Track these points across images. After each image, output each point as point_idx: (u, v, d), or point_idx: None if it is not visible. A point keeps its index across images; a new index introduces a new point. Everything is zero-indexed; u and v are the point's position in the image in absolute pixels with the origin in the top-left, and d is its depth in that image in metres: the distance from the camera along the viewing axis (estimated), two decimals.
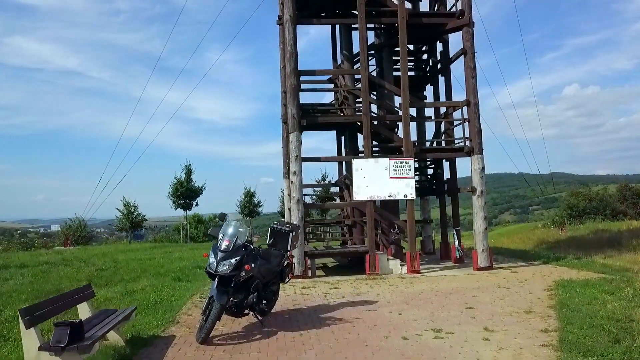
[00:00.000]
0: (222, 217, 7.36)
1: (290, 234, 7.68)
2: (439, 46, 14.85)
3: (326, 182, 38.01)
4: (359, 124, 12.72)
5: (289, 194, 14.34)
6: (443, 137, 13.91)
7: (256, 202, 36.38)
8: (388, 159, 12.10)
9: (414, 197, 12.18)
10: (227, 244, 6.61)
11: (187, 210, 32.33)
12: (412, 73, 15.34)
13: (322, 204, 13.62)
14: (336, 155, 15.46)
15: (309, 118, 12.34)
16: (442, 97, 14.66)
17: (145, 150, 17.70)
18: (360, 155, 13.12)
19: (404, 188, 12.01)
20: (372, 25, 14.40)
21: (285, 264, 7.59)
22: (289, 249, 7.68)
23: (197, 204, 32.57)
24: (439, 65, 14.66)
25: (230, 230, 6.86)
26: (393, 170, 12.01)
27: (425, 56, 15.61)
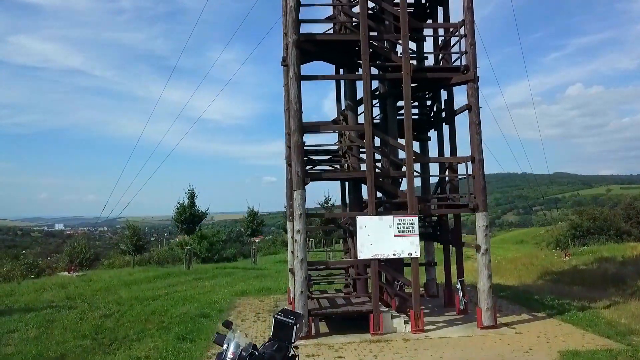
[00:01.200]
0: (228, 324, 7.33)
1: (295, 326, 7.66)
2: (444, 94, 14.79)
3: (329, 205, 38.16)
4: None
5: (292, 237, 14.35)
6: (447, 193, 13.86)
7: (259, 221, 36.63)
8: (392, 216, 12.07)
9: (419, 255, 12.16)
10: (232, 356, 6.60)
11: (191, 234, 32.42)
12: (416, 117, 15.31)
13: (326, 263, 13.58)
14: (340, 204, 15.38)
15: (314, 175, 12.34)
16: (447, 145, 14.62)
17: (170, 154, 17.76)
18: (364, 211, 13.06)
19: (409, 246, 11.99)
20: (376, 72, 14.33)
21: (290, 355, 7.57)
22: (293, 341, 7.65)
23: (200, 229, 32.66)
24: (443, 114, 14.60)
25: (235, 341, 6.83)
26: (397, 228, 11.98)
27: (429, 102, 15.55)
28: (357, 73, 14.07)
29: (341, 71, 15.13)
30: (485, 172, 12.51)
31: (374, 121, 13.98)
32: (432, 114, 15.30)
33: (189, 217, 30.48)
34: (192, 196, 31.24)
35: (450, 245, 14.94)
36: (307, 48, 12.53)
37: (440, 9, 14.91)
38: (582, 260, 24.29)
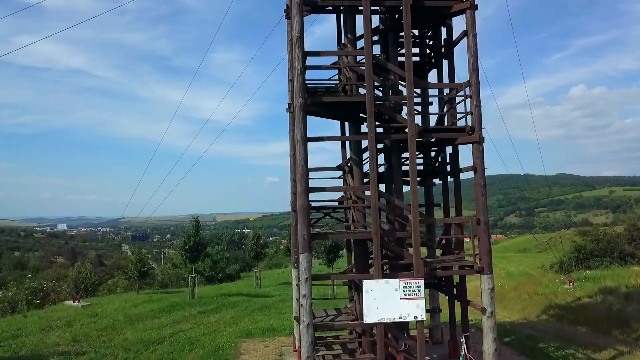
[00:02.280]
0: None
1: None
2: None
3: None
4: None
5: (297, 299, 14.39)
6: (453, 247, 13.90)
7: (262, 244, 36.93)
8: (398, 279, 12.10)
9: (424, 319, 12.19)
10: None
11: (195, 263, 32.58)
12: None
13: (333, 324, 13.59)
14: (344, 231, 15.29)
15: (320, 236, 12.39)
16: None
17: (200, 158, 17.92)
18: (370, 272, 13.07)
19: (415, 309, 12.01)
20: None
21: None
22: None
23: (204, 257, 32.82)
24: (448, 167, 14.65)
25: None
26: (404, 291, 12.01)
27: (434, 154, 15.57)
28: (362, 132, 14.09)
29: (346, 126, 15.15)
30: (487, 173, 12.70)
31: (379, 169, 14.01)
32: (436, 165, 15.31)
33: (194, 245, 30.63)
34: (196, 225, 31.42)
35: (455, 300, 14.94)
36: (314, 110, 12.58)
37: (445, 62, 14.91)
38: (586, 291, 24.21)
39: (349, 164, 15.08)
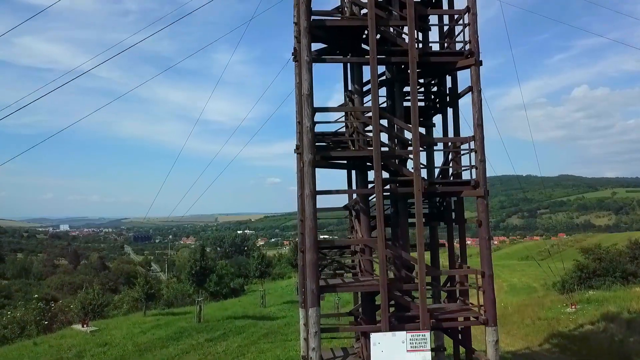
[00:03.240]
0: None
1: None
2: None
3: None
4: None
5: (304, 324, 14.69)
6: (458, 296, 14.18)
7: (267, 263, 37.29)
8: (405, 332, 12.40)
9: None
10: None
11: (201, 287, 32.94)
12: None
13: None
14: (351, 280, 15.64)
15: (328, 289, 12.71)
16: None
17: (229, 164, 18.21)
18: (377, 325, 13.36)
19: None
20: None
21: None
22: None
23: (211, 280, 33.18)
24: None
25: None
26: (410, 343, 12.31)
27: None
28: (368, 179, 14.39)
29: (352, 173, 15.40)
30: (489, 174, 13.00)
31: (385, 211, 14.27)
32: (442, 209, 15.56)
33: (200, 270, 31.05)
34: (203, 250, 31.89)
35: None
36: (322, 164, 12.86)
37: (450, 110, 15.15)
38: (589, 317, 24.37)
39: (355, 207, 15.35)
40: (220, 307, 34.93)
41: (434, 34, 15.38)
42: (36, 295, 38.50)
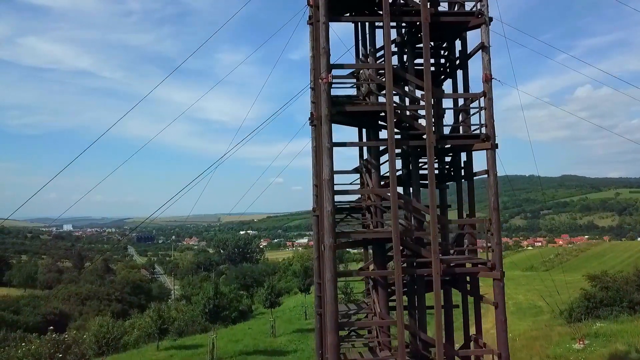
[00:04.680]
0: None
1: None
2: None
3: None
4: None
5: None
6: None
7: (277, 293, 38.20)
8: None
9: None
10: None
11: (216, 324, 33.63)
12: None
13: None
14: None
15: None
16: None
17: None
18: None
19: None
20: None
21: None
22: None
23: (224, 317, 33.83)
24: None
25: None
26: None
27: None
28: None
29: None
30: None
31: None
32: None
33: (213, 308, 31.84)
34: (216, 287, 32.70)
35: None
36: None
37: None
38: (597, 356, 24.25)
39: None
40: (231, 336, 35.06)
41: None
42: (51, 327, 37.89)
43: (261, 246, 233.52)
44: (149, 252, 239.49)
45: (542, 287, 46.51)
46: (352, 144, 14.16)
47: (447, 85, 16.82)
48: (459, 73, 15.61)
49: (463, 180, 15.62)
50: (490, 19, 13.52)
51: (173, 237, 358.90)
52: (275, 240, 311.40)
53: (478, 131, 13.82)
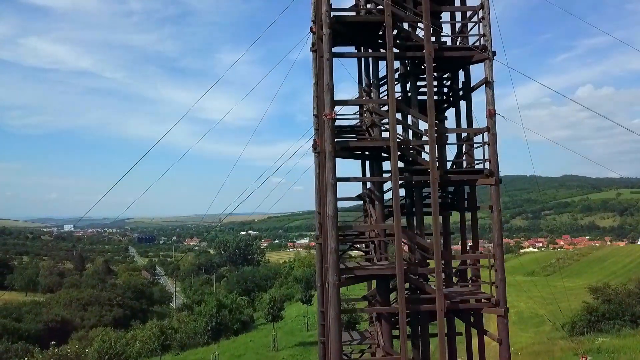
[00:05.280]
0: None
1: None
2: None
3: None
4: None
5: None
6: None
7: (279, 307, 38.48)
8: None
9: None
10: None
11: (217, 341, 33.77)
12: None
13: None
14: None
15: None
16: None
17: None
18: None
19: None
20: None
21: None
22: None
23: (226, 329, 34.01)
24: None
25: None
26: None
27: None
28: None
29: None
30: None
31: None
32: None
33: (215, 325, 31.99)
34: (219, 304, 32.80)
35: None
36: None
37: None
38: None
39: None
40: (233, 350, 35.22)
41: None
42: (53, 342, 38.00)
43: (262, 247, 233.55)
44: (150, 253, 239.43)
45: (544, 293, 46.48)
46: (355, 179, 14.20)
47: (449, 113, 16.83)
48: (462, 103, 15.61)
49: (467, 211, 15.62)
50: (494, 53, 13.54)
51: (174, 237, 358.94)
52: (276, 241, 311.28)
53: (482, 165, 13.84)
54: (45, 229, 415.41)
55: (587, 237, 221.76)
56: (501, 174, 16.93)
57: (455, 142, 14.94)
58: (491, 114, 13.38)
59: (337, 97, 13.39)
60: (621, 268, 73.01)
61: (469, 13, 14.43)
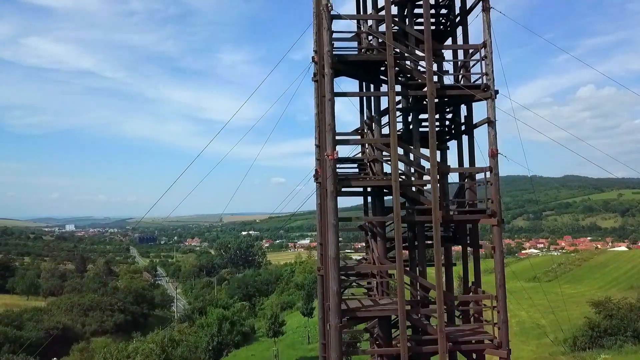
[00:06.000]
0: None
1: None
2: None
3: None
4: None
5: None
6: None
7: (280, 322, 38.57)
8: None
9: None
10: None
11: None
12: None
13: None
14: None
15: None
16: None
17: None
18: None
19: None
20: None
21: None
22: None
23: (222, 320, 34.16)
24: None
25: None
26: None
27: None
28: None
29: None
30: None
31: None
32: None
33: (217, 345, 32.12)
34: (220, 324, 32.84)
35: None
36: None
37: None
38: None
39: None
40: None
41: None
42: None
43: (263, 247, 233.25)
44: (151, 254, 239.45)
45: (546, 301, 46.24)
46: (357, 219, 14.19)
47: (452, 143, 16.74)
48: (464, 138, 15.54)
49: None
50: (496, 92, 13.48)
51: (175, 237, 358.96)
52: (277, 242, 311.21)
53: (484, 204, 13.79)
54: (46, 229, 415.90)
55: (589, 238, 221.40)
56: (502, 174, 16.74)
57: (458, 181, 14.86)
58: (493, 154, 13.33)
59: (337, 109, 13.26)
60: (623, 274, 72.83)
61: (471, 50, 14.36)
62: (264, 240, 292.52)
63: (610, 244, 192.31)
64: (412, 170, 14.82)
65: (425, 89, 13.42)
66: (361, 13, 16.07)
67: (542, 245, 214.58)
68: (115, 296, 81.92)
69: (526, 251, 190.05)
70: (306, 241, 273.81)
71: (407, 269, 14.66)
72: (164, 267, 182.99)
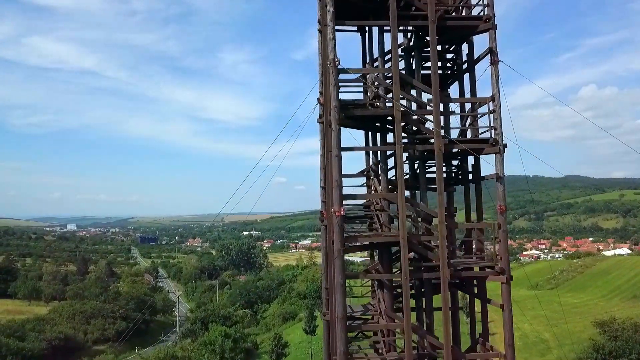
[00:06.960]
0: None
1: None
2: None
3: None
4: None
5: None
6: None
7: (284, 343, 38.65)
8: None
9: None
10: None
11: None
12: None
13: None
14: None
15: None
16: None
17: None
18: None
19: None
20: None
21: None
22: None
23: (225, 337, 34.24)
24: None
25: None
26: None
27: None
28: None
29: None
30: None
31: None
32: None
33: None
34: (222, 352, 32.96)
35: None
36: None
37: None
38: None
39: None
40: None
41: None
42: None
43: (264, 248, 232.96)
44: (152, 254, 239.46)
45: (549, 312, 46.01)
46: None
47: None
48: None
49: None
50: (505, 146, 13.29)
51: (177, 237, 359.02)
52: (279, 242, 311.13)
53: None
54: (48, 228, 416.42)
55: (590, 239, 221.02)
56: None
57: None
58: (502, 211, 13.17)
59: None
60: (625, 282, 72.71)
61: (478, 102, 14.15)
62: (265, 241, 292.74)
63: (612, 245, 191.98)
64: (420, 221, 14.63)
65: (433, 140, 13.27)
66: (367, 59, 15.90)
67: (543, 246, 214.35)
68: (117, 303, 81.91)
69: (527, 252, 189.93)
70: (307, 242, 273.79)
71: (414, 321, 14.43)
72: (166, 269, 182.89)
